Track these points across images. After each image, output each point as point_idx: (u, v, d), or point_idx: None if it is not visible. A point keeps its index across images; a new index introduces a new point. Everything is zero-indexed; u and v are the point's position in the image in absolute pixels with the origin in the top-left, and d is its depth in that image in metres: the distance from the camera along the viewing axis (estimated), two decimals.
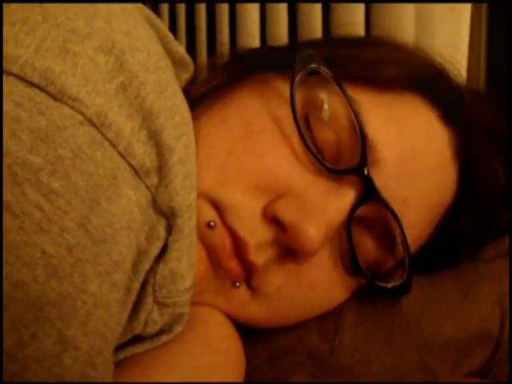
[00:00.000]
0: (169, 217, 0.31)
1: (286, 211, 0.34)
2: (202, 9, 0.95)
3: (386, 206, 0.36)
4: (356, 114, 0.35)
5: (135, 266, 0.30)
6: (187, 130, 0.33)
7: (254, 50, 0.53)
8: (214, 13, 0.92)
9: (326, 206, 0.35)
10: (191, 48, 0.95)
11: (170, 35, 0.40)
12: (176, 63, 0.39)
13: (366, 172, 0.35)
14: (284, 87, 0.37)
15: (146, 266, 0.31)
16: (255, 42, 0.81)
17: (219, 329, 0.37)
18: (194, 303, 0.36)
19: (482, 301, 0.43)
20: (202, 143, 0.35)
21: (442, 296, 0.43)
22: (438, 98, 0.39)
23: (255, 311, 0.38)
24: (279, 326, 0.40)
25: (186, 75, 0.41)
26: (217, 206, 0.35)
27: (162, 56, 0.35)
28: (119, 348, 0.33)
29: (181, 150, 0.31)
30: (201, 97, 0.40)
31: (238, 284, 0.36)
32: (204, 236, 0.35)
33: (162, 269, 0.31)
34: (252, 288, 0.37)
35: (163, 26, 0.40)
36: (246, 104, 0.38)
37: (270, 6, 0.78)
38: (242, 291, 0.37)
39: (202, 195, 0.34)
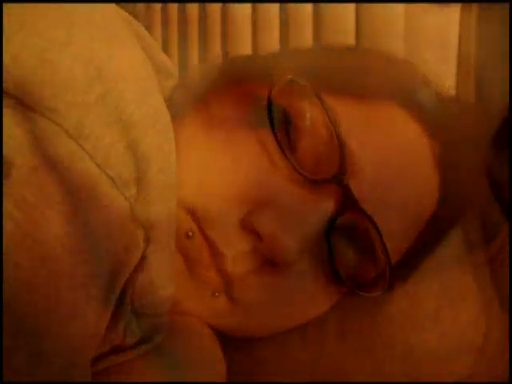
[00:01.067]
0: (147, 228, 0.31)
1: (263, 223, 0.34)
2: (194, 12, 0.96)
3: (365, 215, 0.36)
4: (334, 124, 0.36)
5: (113, 276, 0.30)
6: (168, 138, 0.33)
7: (237, 58, 0.53)
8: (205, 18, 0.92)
9: (304, 216, 0.35)
10: (183, 51, 0.95)
11: (155, 44, 0.40)
12: (160, 71, 0.39)
13: (344, 181, 0.35)
14: (264, 97, 0.37)
15: (125, 276, 0.31)
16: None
17: (202, 340, 0.37)
18: (175, 313, 0.36)
19: (466, 309, 0.43)
20: (183, 152, 0.35)
21: (427, 303, 0.43)
22: (421, 108, 0.40)
23: (236, 321, 0.38)
24: (260, 336, 0.40)
25: (170, 83, 0.41)
26: (195, 216, 0.35)
27: (144, 64, 0.35)
28: (99, 358, 0.33)
29: (160, 160, 0.31)
30: (184, 104, 0.40)
31: (217, 294, 0.37)
32: (183, 246, 0.35)
33: (141, 279, 0.31)
34: (232, 298, 0.37)
35: (147, 34, 0.40)
36: (226, 113, 0.38)
37: (262, 12, 0.79)
38: (222, 301, 0.37)
39: (181, 204, 0.35)
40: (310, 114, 0.37)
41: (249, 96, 0.39)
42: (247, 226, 0.35)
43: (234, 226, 0.35)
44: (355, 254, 0.39)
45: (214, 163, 0.36)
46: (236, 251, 0.35)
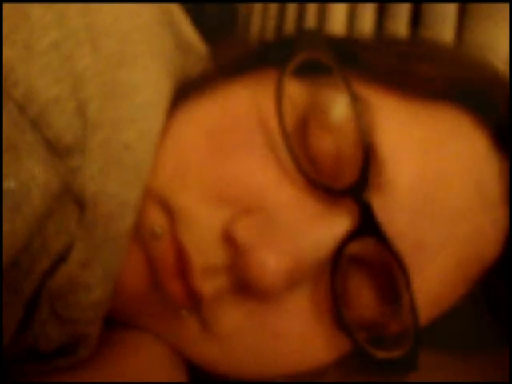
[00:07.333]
0: (82, 206, 0.25)
1: (245, 231, 0.26)
2: None
3: (387, 246, 0.27)
4: (359, 116, 0.27)
5: (30, 262, 0.24)
6: (150, 114, 0.27)
7: (263, 42, 0.46)
8: None
9: (302, 233, 0.27)
10: None
11: (184, 19, 0.35)
12: (179, 46, 0.33)
13: (363, 195, 0.26)
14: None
15: (44, 264, 0.24)
16: None
17: (153, 362, 0.29)
18: (131, 326, 0.30)
19: None
20: (171, 133, 0.29)
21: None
22: (490, 114, 0.29)
23: (207, 350, 0.30)
24: (239, 377, 0.31)
25: (189, 61, 0.35)
26: (169, 211, 0.28)
27: (144, 30, 0.30)
28: (18, 361, 0.27)
29: (110, 128, 0.25)
30: (196, 83, 0.33)
31: (185, 313, 0.29)
32: (148, 245, 0.28)
33: (61, 273, 0.25)
34: (203, 322, 0.29)
35: (177, 9, 0.35)
36: (234, 97, 0.31)
37: None
38: (191, 323, 0.29)
39: (152, 195, 0.28)
40: (337, 105, 0.28)
41: (266, 80, 0.31)
42: (228, 236, 0.27)
43: (214, 231, 0.27)
44: (373, 297, 0.29)
45: (202, 151, 0.29)
46: (208, 262, 0.27)
